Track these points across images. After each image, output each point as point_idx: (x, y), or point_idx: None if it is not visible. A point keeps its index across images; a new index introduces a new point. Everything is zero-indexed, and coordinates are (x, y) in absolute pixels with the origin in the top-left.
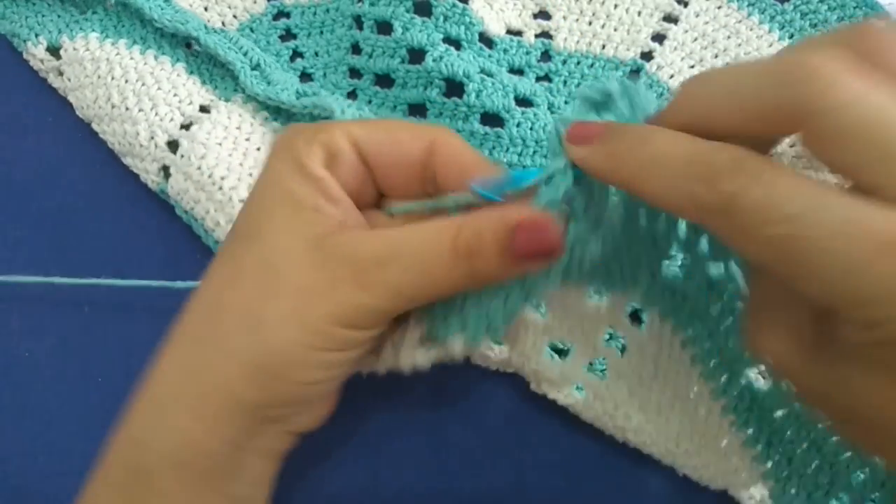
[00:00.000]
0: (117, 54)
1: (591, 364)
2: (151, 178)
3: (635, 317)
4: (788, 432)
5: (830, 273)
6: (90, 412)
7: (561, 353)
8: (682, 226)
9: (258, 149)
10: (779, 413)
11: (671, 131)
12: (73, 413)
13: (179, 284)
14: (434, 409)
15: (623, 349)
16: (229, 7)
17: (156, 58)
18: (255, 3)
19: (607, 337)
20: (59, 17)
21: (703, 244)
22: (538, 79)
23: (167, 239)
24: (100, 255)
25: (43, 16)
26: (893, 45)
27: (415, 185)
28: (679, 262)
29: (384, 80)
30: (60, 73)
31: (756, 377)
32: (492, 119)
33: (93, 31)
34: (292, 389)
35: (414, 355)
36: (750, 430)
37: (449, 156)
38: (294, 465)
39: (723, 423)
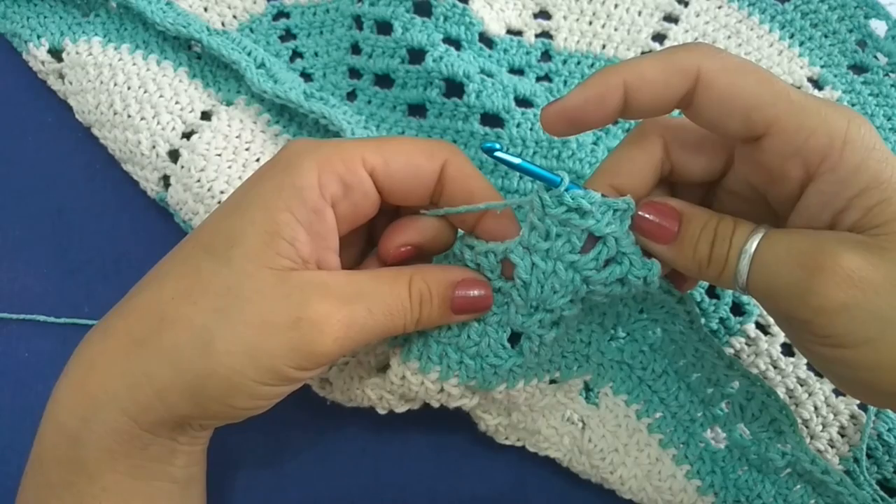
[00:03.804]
0: (120, 60)
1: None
2: (151, 186)
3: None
4: (753, 490)
5: (802, 96)
6: None
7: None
8: (619, 304)
9: (257, 159)
10: (740, 471)
11: None
12: None
13: None
14: (434, 409)
15: (582, 427)
16: (229, 7)
17: (158, 63)
18: (254, 3)
19: (568, 419)
20: (61, 18)
21: (641, 318)
22: (538, 79)
23: (166, 240)
24: (99, 257)
25: (45, 17)
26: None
27: (424, 199)
28: (620, 338)
29: (384, 80)
30: (61, 76)
31: (712, 438)
32: (492, 119)
33: (95, 34)
34: (226, 411)
35: (371, 388)
36: (716, 493)
37: (459, 180)
38: (295, 465)
39: (689, 489)
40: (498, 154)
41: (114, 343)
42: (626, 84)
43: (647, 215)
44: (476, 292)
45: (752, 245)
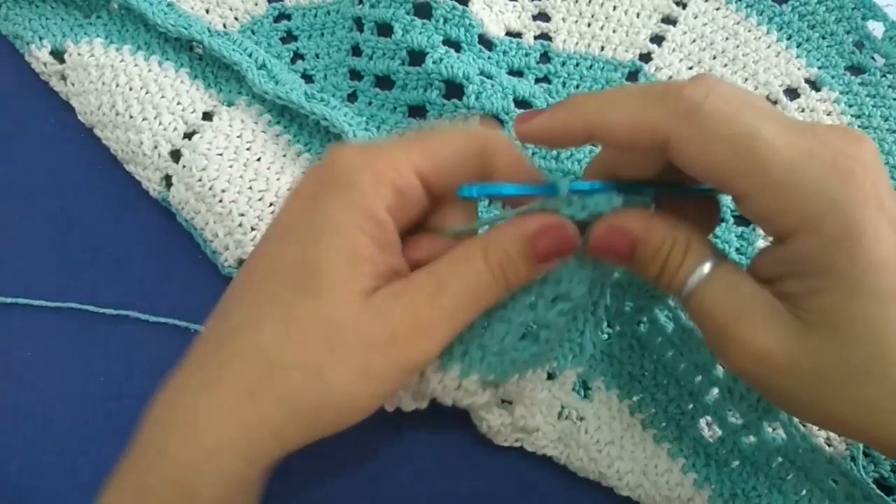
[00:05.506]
0: (121, 61)
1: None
2: (153, 186)
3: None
4: (748, 482)
5: (787, 166)
6: (90, 412)
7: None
8: (608, 294)
9: (258, 159)
10: (735, 464)
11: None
12: (73, 413)
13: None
14: (434, 409)
15: (579, 420)
16: (230, 9)
17: (160, 64)
18: (256, 5)
19: (566, 416)
20: (62, 20)
21: (627, 306)
22: (537, 80)
23: (167, 241)
24: (100, 257)
25: (47, 19)
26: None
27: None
28: (609, 331)
29: (384, 81)
30: (63, 78)
31: (705, 431)
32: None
33: (97, 36)
34: (339, 428)
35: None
36: (713, 487)
37: (503, 162)
38: (294, 465)
39: (685, 483)
40: (477, 192)
41: (223, 395)
42: (592, 127)
43: (601, 239)
44: (558, 236)
45: (691, 285)
